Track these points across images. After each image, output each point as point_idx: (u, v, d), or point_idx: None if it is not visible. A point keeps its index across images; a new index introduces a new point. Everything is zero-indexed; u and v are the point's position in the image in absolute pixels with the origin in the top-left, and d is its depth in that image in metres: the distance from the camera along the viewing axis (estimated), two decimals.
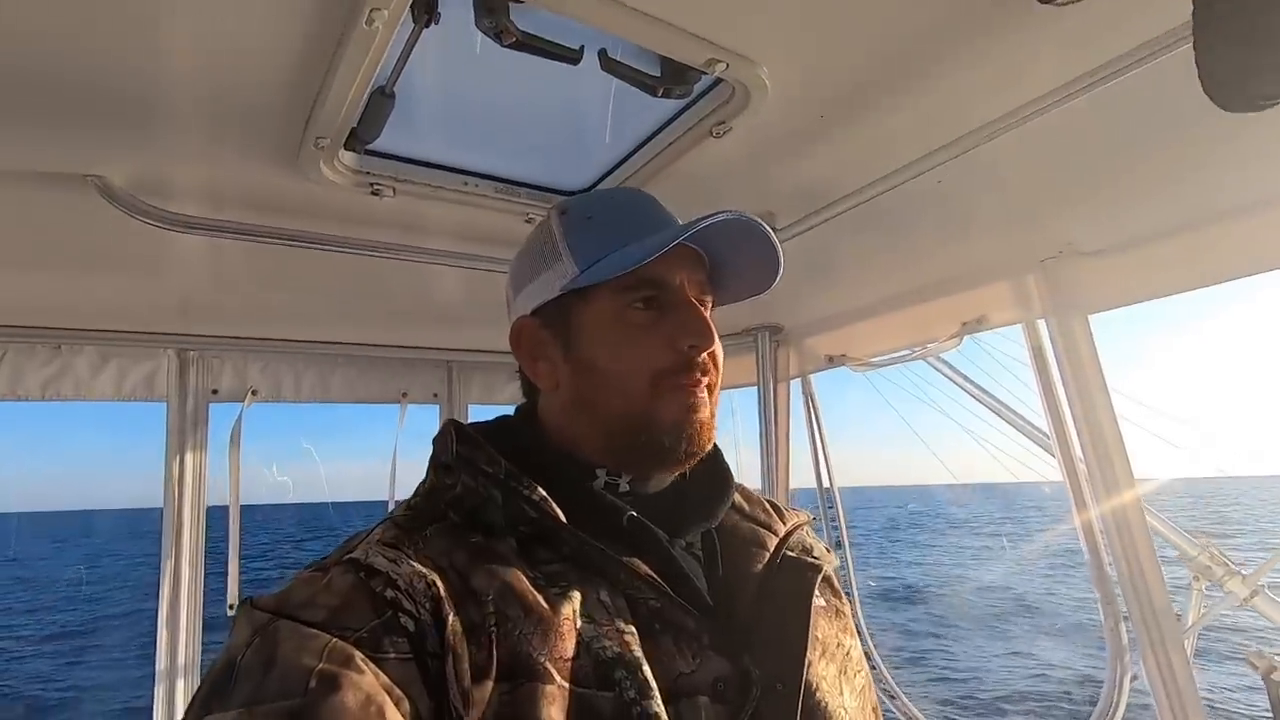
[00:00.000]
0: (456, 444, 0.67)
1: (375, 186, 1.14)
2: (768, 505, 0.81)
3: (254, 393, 1.96)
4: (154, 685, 1.74)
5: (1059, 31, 0.89)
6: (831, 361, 2.32)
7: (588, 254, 0.69)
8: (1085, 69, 0.94)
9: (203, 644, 1.82)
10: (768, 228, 0.70)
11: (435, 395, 2.31)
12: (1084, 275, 1.67)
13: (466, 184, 1.21)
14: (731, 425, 2.55)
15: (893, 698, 2.35)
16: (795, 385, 2.47)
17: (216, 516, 1.87)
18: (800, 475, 2.53)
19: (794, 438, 2.49)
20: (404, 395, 2.25)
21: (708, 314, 0.71)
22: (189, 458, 1.82)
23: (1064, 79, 0.96)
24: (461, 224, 1.33)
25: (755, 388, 2.36)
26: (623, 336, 0.68)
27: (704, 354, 0.69)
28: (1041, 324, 1.80)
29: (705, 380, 0.69)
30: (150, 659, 1.73)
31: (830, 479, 2.59)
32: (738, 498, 0.79)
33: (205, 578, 1.80)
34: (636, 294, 0.69)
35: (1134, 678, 1.77)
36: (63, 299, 1.57)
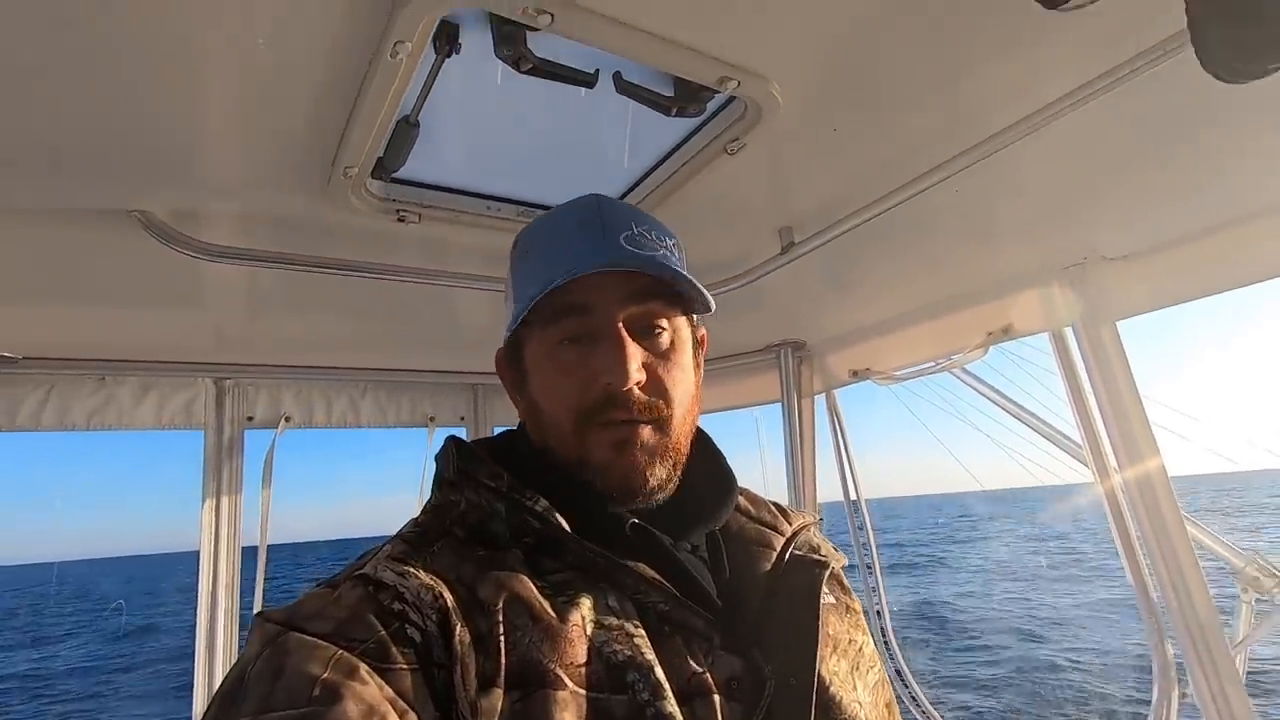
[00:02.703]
0: (457, 460, 0.68)
1: (401, 213, 1.18)
2: (773, 507, 0.81)
3: (287, 419, 2.01)
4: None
5: (1076, 34, 0.90)
6: (855, 376, 2.30)
7: (523, 290, 0.69)
8: (1103, 69, 0.94)
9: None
10: (650, 258, 0.66)
11: (462, 419, 2.35)
12: (1111, 281, 1.65)
13: (489, 208, 1.25)
14: (757, 441, 2.54)
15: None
16: (820, 401, 2.45)
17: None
18: (826, 489, 2.51)
19: (821, 453, 2.48)
20: (431, 419, 2.29)
21: (659, 332, 0.68)
22: (226, 482, 1.87)
23: (1082, 81, 0.96)
24: (485, 247, 1.36)
25: (780, 404, 2.35)
26: (550, 377, 0.68)
27: (628, 387, 0.64)
28: (1069, 332, 1.77)
29: (642, 415, 0.65)
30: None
31: (858, 495, 2.56)
32: (743, 500, 0.79)
33: (240, 596, 1.83)
34: (559, 330, 0.67)
35: (1184, 695, 1.70)
36: (106, 331, 1.64)
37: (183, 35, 0.76)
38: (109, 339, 1.68)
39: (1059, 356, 1.80)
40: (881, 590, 2.49)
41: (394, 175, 1.11)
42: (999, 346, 1.97)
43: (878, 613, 2.42)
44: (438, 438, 2.33)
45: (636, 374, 0.65)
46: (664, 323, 0.70)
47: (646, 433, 0.66)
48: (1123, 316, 1.66)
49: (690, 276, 0.68)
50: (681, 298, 0.71)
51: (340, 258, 1.27)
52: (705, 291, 0.68)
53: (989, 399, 2.14)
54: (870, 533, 2.58)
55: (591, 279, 0.65)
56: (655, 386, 0.67)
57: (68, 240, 1.19)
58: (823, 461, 2.48)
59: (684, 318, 0.73)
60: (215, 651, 1.80)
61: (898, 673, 2.37)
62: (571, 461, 0.67)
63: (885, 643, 2.40)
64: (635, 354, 0.65)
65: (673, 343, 0.70)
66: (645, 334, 0.68)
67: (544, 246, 0.72)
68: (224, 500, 1.86)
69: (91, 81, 0.81)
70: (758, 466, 2.42)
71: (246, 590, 1.85)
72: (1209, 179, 1.33)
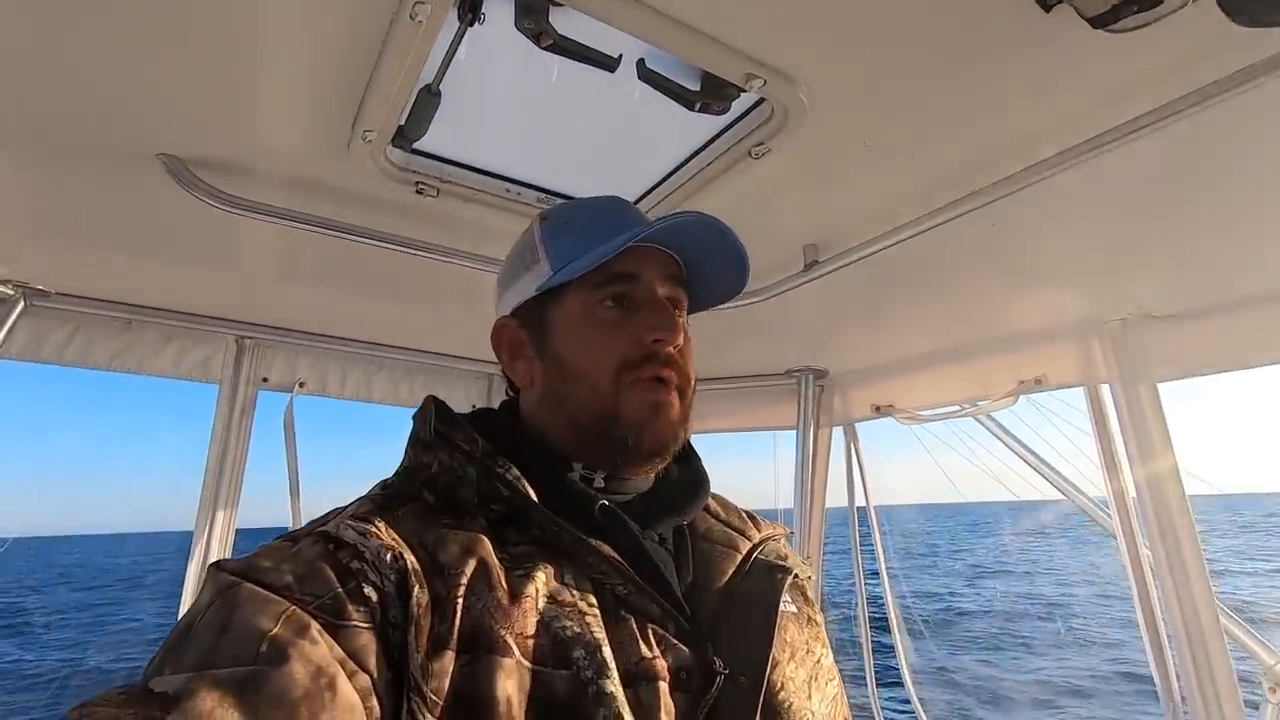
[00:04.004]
0: (435, 420, 0.67)
1: (420, 185, 1.17)
2: (743, 514, 0.82)
3: (301, 384, 2.03)
4: None
5: (1129, 65, 0.85)
6: (878, 411, 2.22)
7: (562, 256, 0.72)
8: (1157, 104, 0.88)
9: None
10: (728, 227, 0.71)
11: (473, 406, 2.34)
12: (1154, 340, 1.55)
13: (509, 190, 1.24)
14: (773, 465, 2.46)
15: None
16: (838, 435, 2.38)
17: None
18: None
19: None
20: None
21: (679, 315, 0.73)
22: (234, 439, 1.90)
23: (1133, 114, 0.91)
24: (504, 231, 1.35)
25: (795, 432, 2.28)
26: (591, 332, 0.70)
27: (669, 349, 0.69)
28: (1106, 390, 1.68)
29: (672, 378, 0.69)
30: None
31: (874, 538, 2.46)
32: (713, 503, 0.80)
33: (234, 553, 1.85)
34: (605, 291, 0.70)
35: None
36: (137, 278, 1.68)
37: None
38: (138, 285, 1.72)
39: (1093, 414, 1.71)
40: (903, 662, 2.42)
41: (415, 146, 1.11)
42: (1028, 398, 1.88)
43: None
44: None
45: (680, 338, 0.70)
46: (683, 310, 0.75)
47: (676, 399, 0.70)
48: (1166, 379, 1.57)
49: (747, 264, 0.74)
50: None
51: (357, 224, 1.27)
52: (748, 264, 0.74)
53: (1015, 452, 2.04)
54: (889, 595, 2.49)
55: (637, 253, 0.70)
56: (683, 357, 0.72)
57: (101, 181, 1.21)
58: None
59: None
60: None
61: None
62: (600, 414, 0.68)
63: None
64: (680, 323, 0.71)
65: (686, 331, 0.73)
66: (670, 307, 0.73)
67: (586, 221, 0.75)
68: (231, 451, 1.89)
69: (129, 26, 0.83)
70: (772, 489, 2.35)
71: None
72: (1272, 240, 1.25)
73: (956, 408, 2.02)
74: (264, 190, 1.20)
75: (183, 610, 1.80)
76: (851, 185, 1.17)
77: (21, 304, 1.61)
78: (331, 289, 1.75)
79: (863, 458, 2.36)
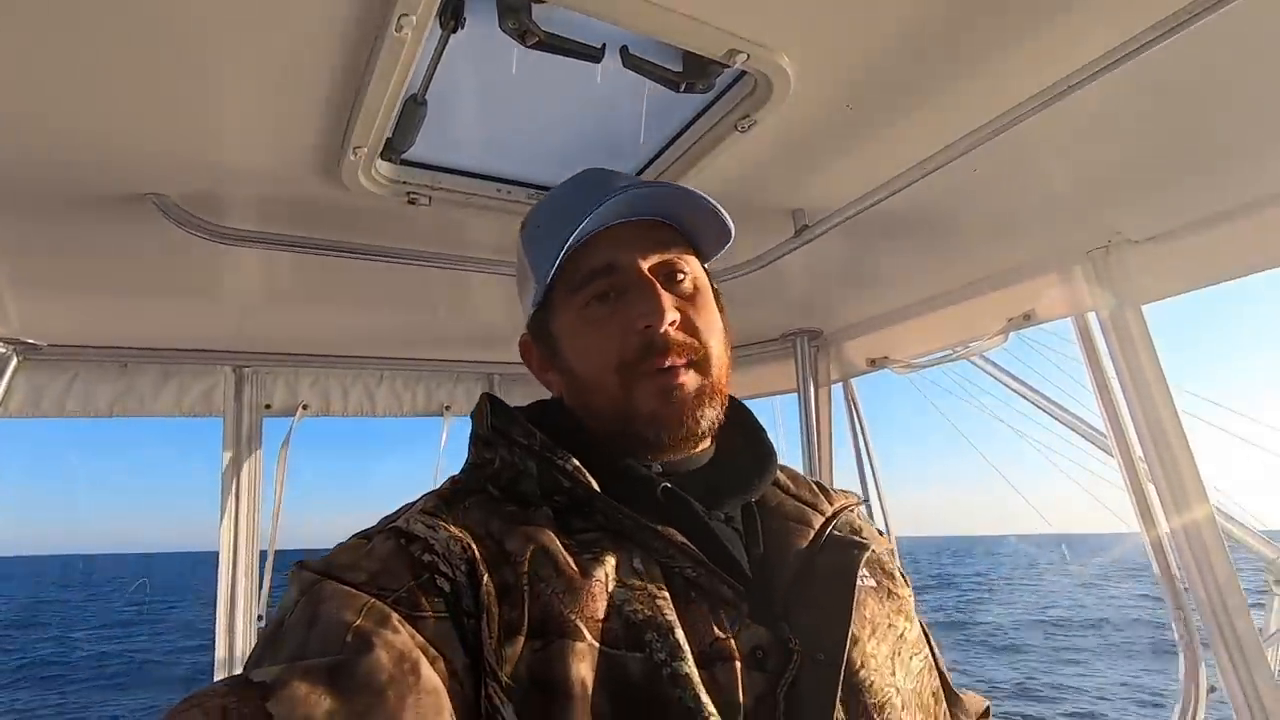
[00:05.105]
0: (492, 417, 0.69)
1: (412, 195, 1.18)
2: (814, 486, 0.79)
3: (305, 407, 2.03)
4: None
5: (1098, 4, 0.87)
6: (873, 365, 2.27)
7: (541, 264, 0.70)
8: (1123, 38, 0.91)
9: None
10: (658, 186, 0.69)
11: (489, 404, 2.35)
12: (1136, 264, 1.60)
13: (500, 190, 1.25)
14: (774, 432, 2.51)
15: None
16: (837, 391, 2.42)
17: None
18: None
19: (837, 444, 2.45)
20: (446, 409, 2.30)
21: (681, 280, 0.70)
22: (245, 469, 1.90)
23: (1101, 51, 0.93)
24: (497, 231, 1.36)
25: (795, 394, 2.33)
26: (585, 337, 0.69)
27: (666, 328, 0.66)
28: (1093, 317, 1.73)
29: (681, 357, 0.67)
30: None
31: (878, 491, 2.52)
32: (782, 476, 0.78)
33: (259, 580, 1.86)
34: (587, 291, 0.69)
35: (1212, 689, 1.66)
36: (128, 320, 1.67)
37: (196, 19, 0.76)
38: (130, 327, 1.71)
39: (1082, 343, 1.76)
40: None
41: (404, 157, 1.11)
42: (1019, 334, 1.93)
43: None
44: (452, 427, 2.34)
45: (671, 313, 0.66)
46: (685, 267, 0.71)
47: (690, 377, 0.67)
48: (1149, 300, 1.62)
49: (708, 197, 0.70)
50: (695, 243, 0.74)
51: (353, 241, 1.28)
52: (723, 213, 0.70)
53: (1009, 388, 2.10)
54: (890, 533, 2.55)
55: (608, 235, 0.68)
56: (689, 326, 0.69)
57: (87, 227, 1.21)
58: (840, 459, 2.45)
59: (699, 261, 0.75)
60: (235, 630, 1.83)
61: None
62: (619, 416, 0.67)
63: None
64: (667, 296, 0.67)
65: (696, 285, 0.71)
66: (669, 281, 0.70)
67: (552, 219, 0.73)
68: (243, 482, 1.89)
69: (105, 69, 0.83)
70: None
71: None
72: (1238, 157, 1.29)
73: (950, 351, 2.07)
74: (256, 218, 1.20)
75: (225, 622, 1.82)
76: (836, 149, 1.19)
77: (15, 360, 1.60)
78: (326, 308, 1.75)
79: (863, 416, 2.41)
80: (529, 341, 0.78)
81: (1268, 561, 1.74)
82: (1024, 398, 2.03)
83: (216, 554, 1.83)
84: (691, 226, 0.74)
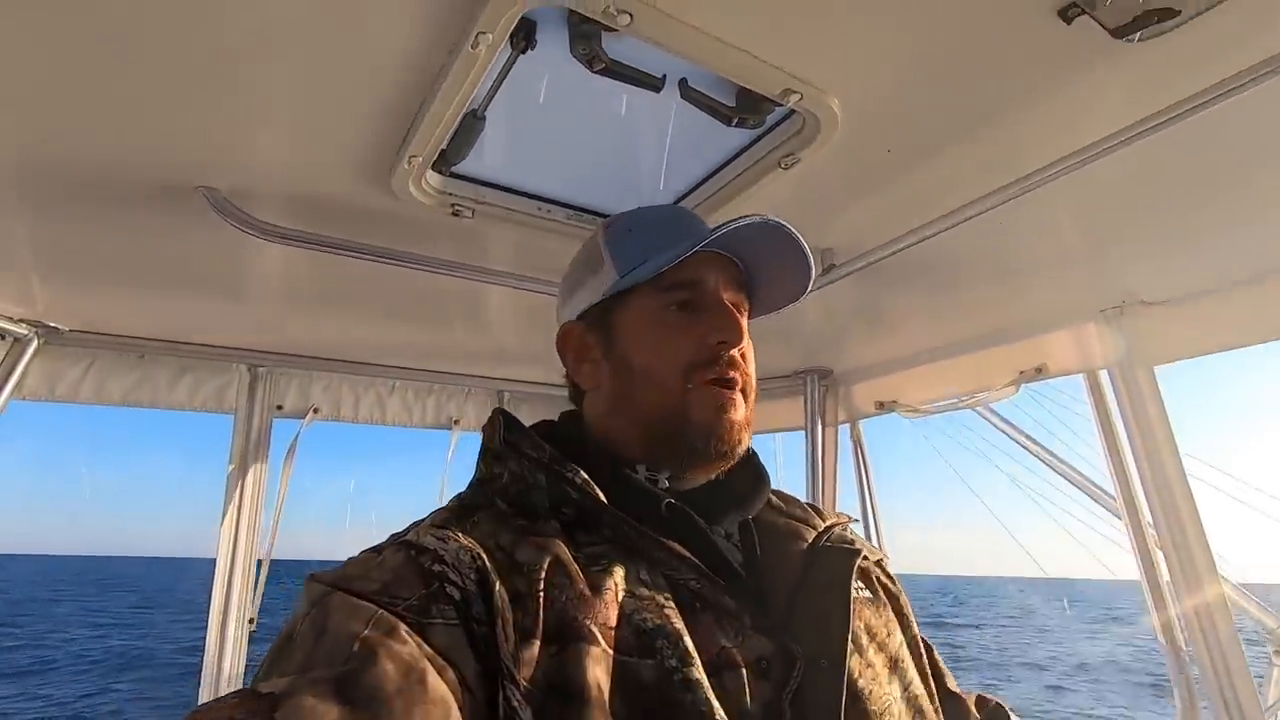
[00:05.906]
0: (504, 431, 0.70)
1: (456, 207, 1.20)
2: (806, 505, 0.83)
3: (315, 410, 2.03)
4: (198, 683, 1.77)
5: (1130, 69, 0.91)
6: (882, 407, 2.29)
7: (628, 261, 0.75)
8: (1154, 109, 0.95)
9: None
10: (794, 230, 0.74)
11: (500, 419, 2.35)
12: (1148, 326, 1.63)
13: (539, 209, 1.27)
14: (775, 469, 2.51)
15: None
16: (843, 431, 2.43)
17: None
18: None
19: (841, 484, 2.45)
20: (455, 423, 2.30)
21: (742, 318, 0.75)
22: (251, 469, 1.89)
23: (1132, 119, 0.97)
24: (530, 248, 1.38)
25: (803, 432, 2.34)
26: (658, 335, 0.73)
27: (733, 351, 0.72)
28: (1104, 375, 1.76)
29: (736, 379, 0.72)
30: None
31: (878, 531, 2.52)
32: (774, 498, 0.82)
33: (255, 580, 1.83)
34: (671, 296, 0.73)
35: None
36: (149, 312, 1.67)
37: (274, 19, 0.79)
38: (152, 319, 1.71)
39: (1093, 400, 1.78)
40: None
41: (453, 169, 1.14)
42: (1029, 388, 1.96)
43: None
44: (460, 442, 2.34)
45: (744, 340, 0.73)
46: (747, 313, 0.78)
47: (740, 400, 0.72)
48: (1161, 362, 1.65)
49: (809, 280, 0.78)
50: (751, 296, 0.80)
51: (389, 247, 1.30)
52: (811, 264, 0.77)
53: (1017, 442, 2.11)
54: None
55: (701, 259, 0.73)
56: (745, 360, 0.74)
57: (134, 215, 1.22)
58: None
59: None
60: (226, 641, 1.80)
61: None
62: (665, 416, 0.71)
63: None
64: (743, 325, 0.73)
65: (748, 334, 0.76)
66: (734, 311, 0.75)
67: (652, 227, 0.79)
68: (249, 482, 1.88)
69: (174, 65, 0.86)
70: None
71: (272, 580, 1.85)
72: (1252, 226, 1.33)
73: (959, 400, 2.09)
74: (299, 218, 1.22)
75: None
76: (871, 192, 1.23)
77: (35, 343, 1.60)
78: (346, 313, 1.76)
79: (868, 458, 2.41)
80: (578, 329, 0.79)
81: (1269, 630, 1.74)
82: (1030, 452, 2.04)
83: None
84: (761, 283, 0.80)
